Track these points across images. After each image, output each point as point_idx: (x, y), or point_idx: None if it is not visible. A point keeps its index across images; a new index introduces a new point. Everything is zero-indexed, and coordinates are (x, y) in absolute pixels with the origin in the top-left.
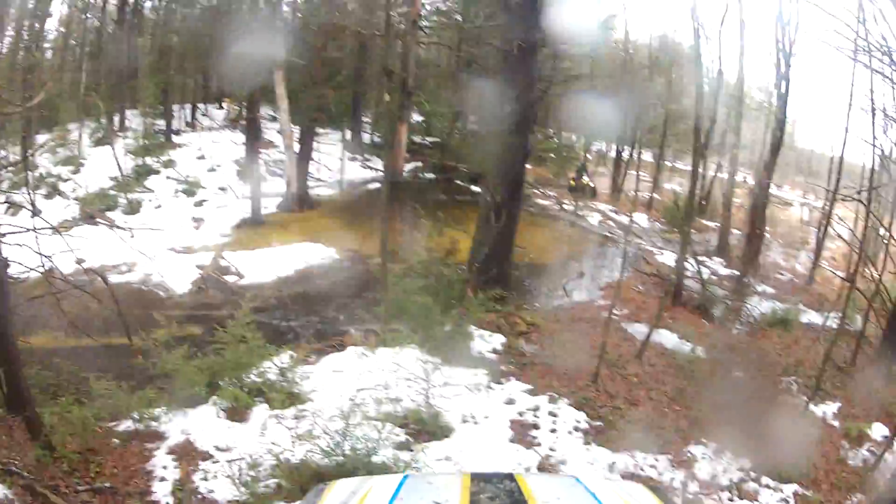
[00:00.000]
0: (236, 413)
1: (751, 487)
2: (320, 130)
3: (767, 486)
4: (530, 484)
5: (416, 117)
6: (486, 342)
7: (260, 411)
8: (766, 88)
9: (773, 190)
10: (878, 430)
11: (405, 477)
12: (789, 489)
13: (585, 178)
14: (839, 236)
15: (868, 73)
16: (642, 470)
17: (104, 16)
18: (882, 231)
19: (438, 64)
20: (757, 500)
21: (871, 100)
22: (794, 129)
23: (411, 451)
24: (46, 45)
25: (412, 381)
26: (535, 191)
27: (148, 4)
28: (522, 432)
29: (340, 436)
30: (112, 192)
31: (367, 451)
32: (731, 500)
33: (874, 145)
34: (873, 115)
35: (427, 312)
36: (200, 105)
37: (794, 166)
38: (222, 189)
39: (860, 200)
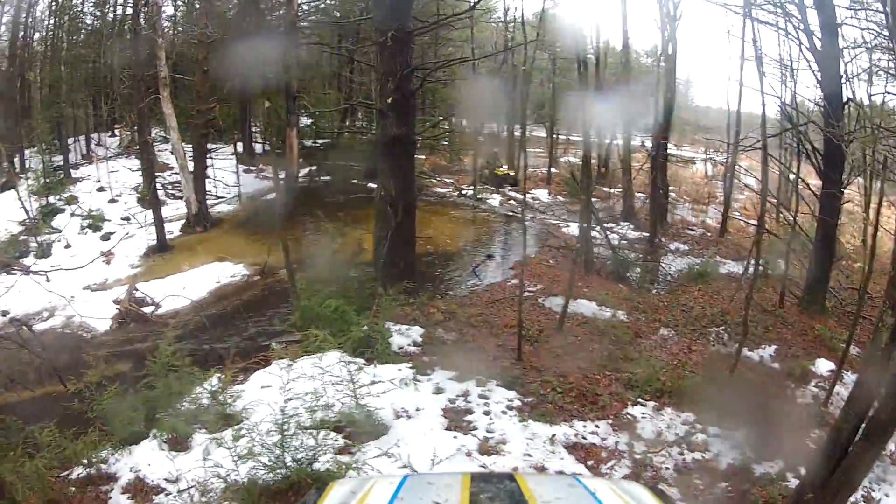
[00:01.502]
0: (178, 443)
1: (699, 439)
2: (212, 146)
3: (717, 436)
4: (530, 484)
5: (305, 121)
6: (406, 336)
7: (199, 437)
8: (654, 52)
9: (672, 150)
10: (823, 366)
11: (405, 477)
12: (740, 435)
13: (503, 168)
14: (746, 186)
15: (752, 26)
16: (584, 438)
17: None
18: (791, 176)
19: (321, 64)
20: (708, 450)
21: (758, 50)
22: (689, 90)
23: (351, 453)
24: None
25: (339, 384)
26: (433, 179)
27: (37, 36)
28: (457, 419)
29: (280, 449)
30: (22, 237)
31: (308, 460)
32: (681, 454)
33: (763, 93)
34: (759, 64)
35: (342, 315)
36: (94, 135)
37: (694, 124)
38: (126, 219)
39: (759, 149)
